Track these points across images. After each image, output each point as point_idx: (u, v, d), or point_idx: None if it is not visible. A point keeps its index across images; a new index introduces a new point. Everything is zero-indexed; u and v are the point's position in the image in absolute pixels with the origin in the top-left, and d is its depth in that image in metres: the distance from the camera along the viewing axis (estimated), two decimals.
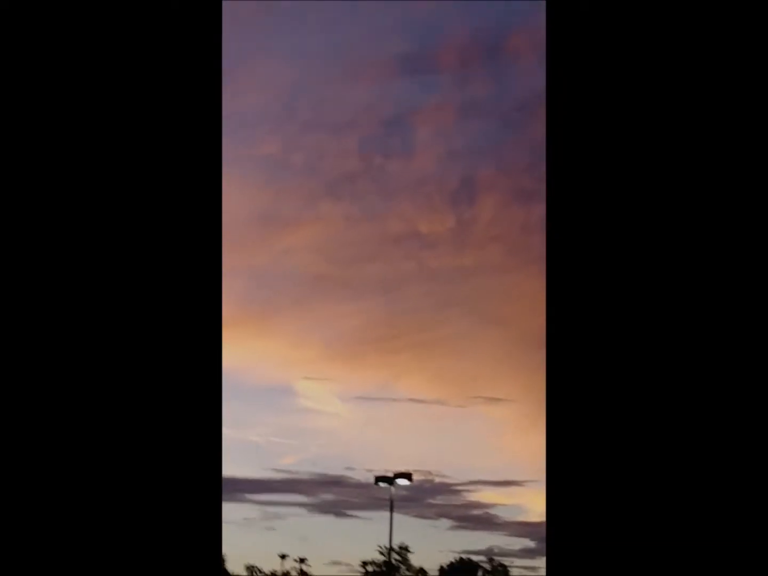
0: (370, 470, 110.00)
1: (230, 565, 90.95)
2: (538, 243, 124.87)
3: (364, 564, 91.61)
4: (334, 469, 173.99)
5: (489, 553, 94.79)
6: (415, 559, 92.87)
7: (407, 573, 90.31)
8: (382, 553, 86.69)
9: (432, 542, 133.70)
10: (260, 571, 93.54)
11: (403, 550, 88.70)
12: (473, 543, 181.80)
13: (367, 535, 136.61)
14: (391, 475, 52.70)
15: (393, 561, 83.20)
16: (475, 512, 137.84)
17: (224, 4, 4.27)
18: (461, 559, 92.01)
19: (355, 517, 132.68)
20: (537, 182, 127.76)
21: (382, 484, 53.08)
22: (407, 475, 53.55)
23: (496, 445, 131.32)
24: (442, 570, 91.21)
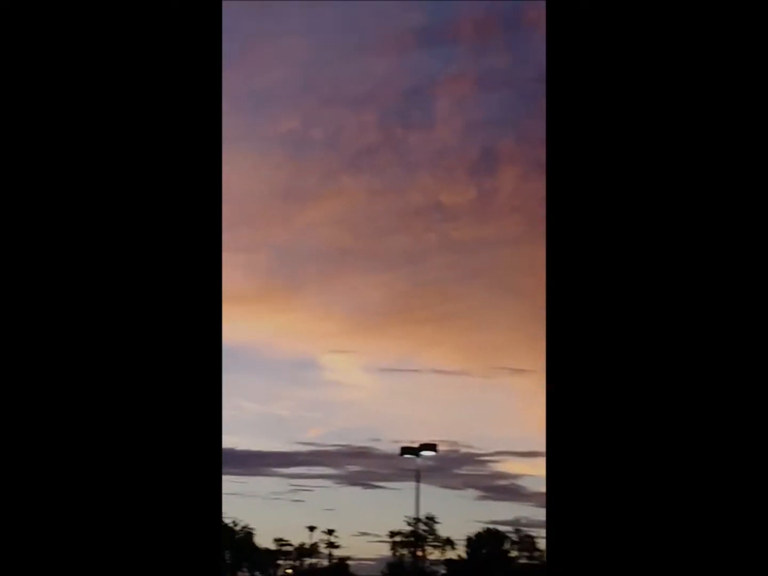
0: (395, 441, 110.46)
1: (258, 539, 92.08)
2: None
3: (392, 534, 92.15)
4: (360, 441, 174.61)
5: (516, 524, 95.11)
6: (442, 530, 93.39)
7: (435, 543, 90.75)
8: (409, 524, 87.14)
9: (459, 513, 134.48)
10: (289, 544, 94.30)
11: (430, 520, 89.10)
12: (500, 513, 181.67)
13: (393, 505, 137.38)
14: (416, 446, 52.87)
15: (420, 531, 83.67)
16: (502, 483, 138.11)
17: (224, 3, 4.33)
18: (488, 529, 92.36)
19: (382, 488, 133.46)
20: None
21: (407, 456, 53.30)
22: (432, 446, 53.69)
23: (522, 416, 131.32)
24: (469, 540, 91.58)
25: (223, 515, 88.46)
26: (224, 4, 4.27)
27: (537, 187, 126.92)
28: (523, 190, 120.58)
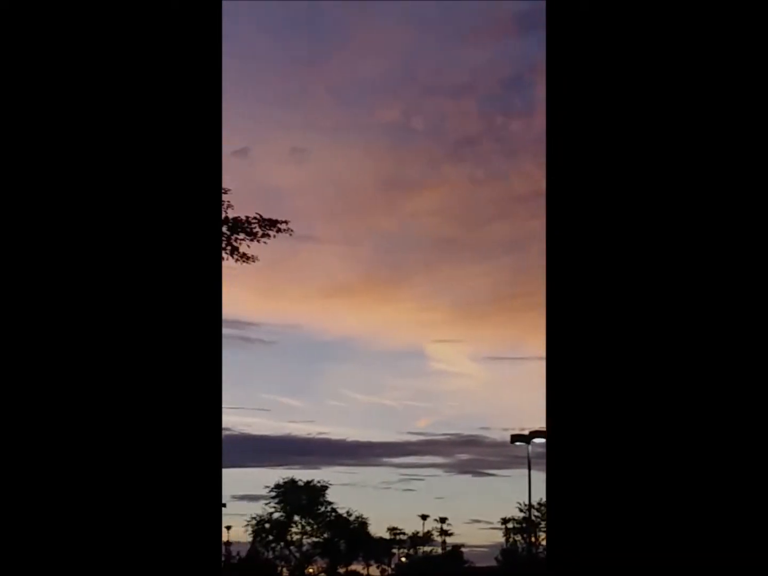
0: (504, 429, 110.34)
1: (372, 528, 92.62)
2: None
3: (504, 521, 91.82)
4: (469, 430, 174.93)
5: None
6: None
7: (545, 528, 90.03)
8: (521, 510, 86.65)
9: None
10: (402, 532, 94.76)
11: (543, 506, 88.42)
12: None
13: (505, 493, 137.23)
14: (526, 433, 52.45)
15: (533, 518, 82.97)
16: None
17: (238, 3, 4.06)
18: None
19: (493, 475, 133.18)
20: None
21: (518, 443, 52.89)
22: (543, 433, 53.11)
23: None
24: None
25: (336, 505, 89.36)
26: (240, 4, 4.13)
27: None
28: None
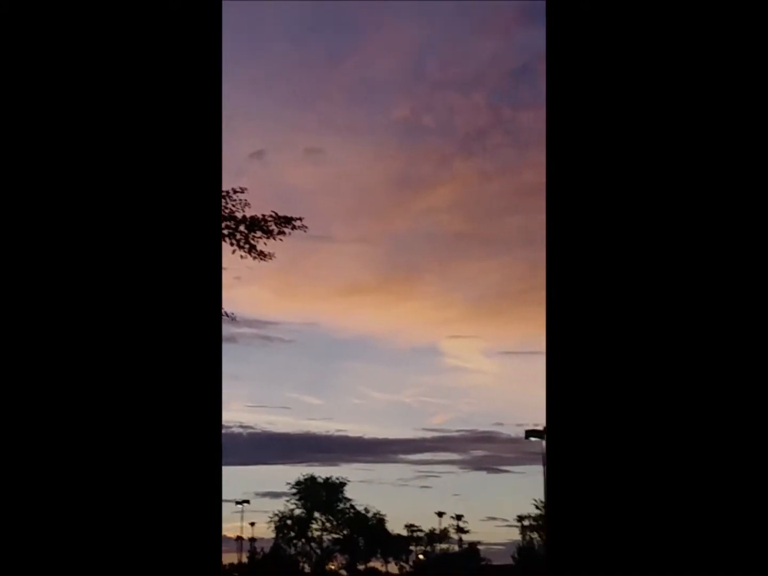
0: (519, 425, 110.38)
1: (390, 525, 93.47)
2: None
3: (520, 518, 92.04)
4: (484, 426, 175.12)
5: None
6: None
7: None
8: (537, 507, 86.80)
9: None
10: (419, 529, 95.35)
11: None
12: None
13: (520, 489, 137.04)
14: (541, 429, 52.98)
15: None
16: None
17: (234, 4, 4.14)
18: None
19: (508, 471, 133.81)
20: None
21: (532, 438, 53.51)
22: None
23: None
24: None
25: (355, 502, 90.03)
26: (238, 4, 4.25)
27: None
28: None
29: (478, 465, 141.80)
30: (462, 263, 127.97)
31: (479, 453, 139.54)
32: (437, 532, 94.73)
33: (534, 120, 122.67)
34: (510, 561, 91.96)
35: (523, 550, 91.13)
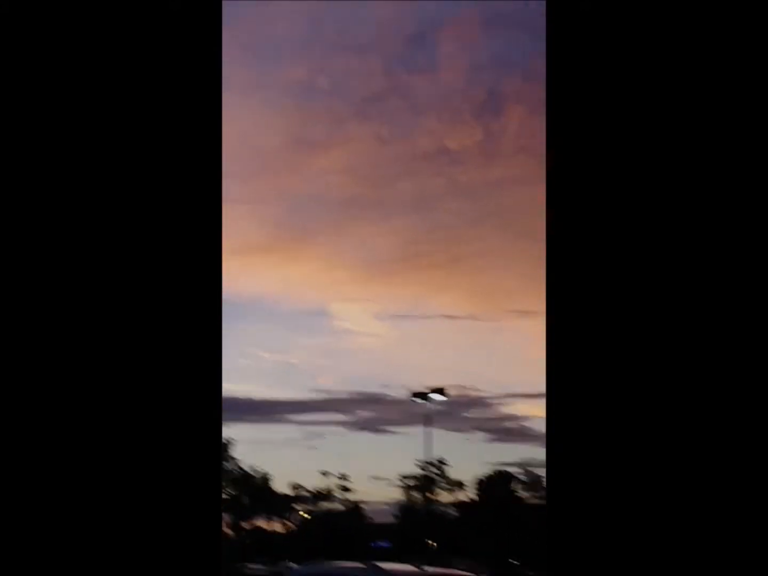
0: (406, 387, 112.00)
1: (275, 484, 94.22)
2: None
3: (403, 478, 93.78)
4: (371, 388, 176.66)
5: (525, 465, 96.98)
6: (453, 472, 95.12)
7: (445, 486, 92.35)
8: (420, 467, 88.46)
9: (468, 455, 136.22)
10: (305, 489, 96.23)
11: (441, 463, 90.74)
12: (508, 455, 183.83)
13: (404, 450, 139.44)
14: (426, 390, 54.10)
15: (431, 474, 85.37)
16: (510, 425, 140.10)
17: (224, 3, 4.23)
18: (497, 471, 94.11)
19: (393, 432, 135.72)
20: None
21: (418, 400, 54.58)
22: (442, 390, 54.85)
23: (529, 358, 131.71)
24: (479, 482, 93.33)
25: (241, 462, 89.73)
26: (224, 3, 4.29)
27: (544, 126, 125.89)
28: (529, 130, 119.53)
29: (364, 426, 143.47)
30: (354, 226, 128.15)
31: (365, 414, 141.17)
32: (321, 491, 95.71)
33: (429, 86, 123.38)
34: (392, 520, 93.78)
35: (405, 509, 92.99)
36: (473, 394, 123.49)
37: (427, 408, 54.41)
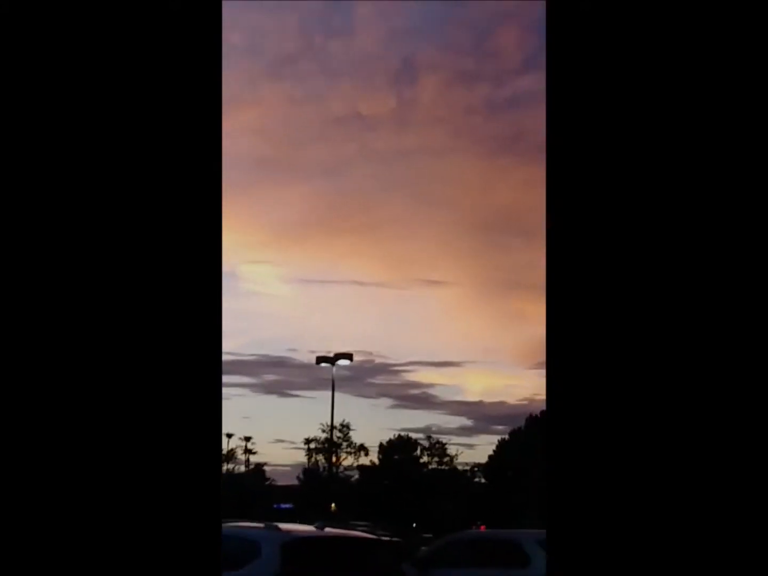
0: (312, 351, 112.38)
1: None
2: (480, 124, 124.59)
3: (307, 441, 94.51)
4: (278, 351, 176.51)
5: (427, 431, 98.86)
6: (356, 436, 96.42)
7: (348, 450, 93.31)
8: (324, 431, 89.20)
9: (372, 420, 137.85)
10: None
11: (345, 427, 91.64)
12: (412, 421, 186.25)
13: (309, 413, 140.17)
14: (332, 355, 54.50)
15: (335, 438, 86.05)
16: (414, 392, 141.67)
17: (224, 3, 4.21)
18: (400, 436, 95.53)
19: (298, 396, 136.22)
20: (479, 63, 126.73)
21: (323, 365, 54.93)
22: (348, 356, 55.26)
23: (436, 327, 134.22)
24: (381, 446, 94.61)
25: None
26: (224, 3, 4.27)
27: (458, 97, 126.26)
28: (444, 100, 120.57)
29: (270, 389, 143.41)
30: (266, 188, 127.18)
31: (271, 377, 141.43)
32: (225, 452, 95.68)
33: (345, 49, 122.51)
34: (295, 482, 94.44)
35: (308, 471, 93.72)
36: (379, 360, 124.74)
37: (332, 373, 54.75)
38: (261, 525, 11.66)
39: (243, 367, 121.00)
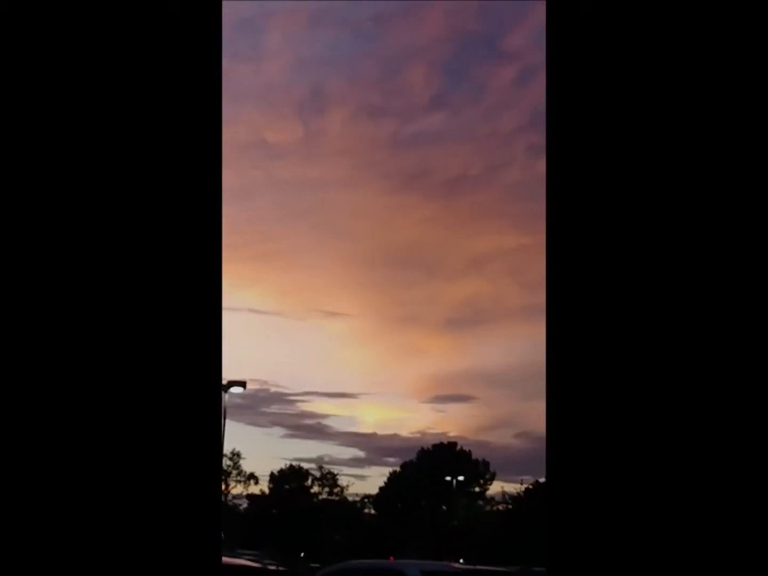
0: None
1: None
2: (385, 159, 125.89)
3: None
4: None
5: (319, 461, 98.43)
6: (247, 465, 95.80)
7: (238, 478, 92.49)
8: None
9: (264, 449, 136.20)
10: None
11: (235, 456, 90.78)
12: (305, 451, 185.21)
13: None
14: (224, 382, 53.99)
15: (225, 466, 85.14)
16: (309, 422, 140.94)
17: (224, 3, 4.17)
18: (291, 465, 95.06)
19: None
20: (386, 98, 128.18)
21: None
22: (241, 383, 54.78)
23: (332, 358, 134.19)
24: (272, 475, 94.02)
25: None
26: (224, 3, 4.24)
27: (364, 131, 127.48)
28: (351, 132, 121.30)
29: None
30: None
31: None
32: None
33: (252, 75, 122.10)
34: None
35: None
36: (274, 389, 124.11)
37: (224, 400, 54.37)
38: None
39: None
